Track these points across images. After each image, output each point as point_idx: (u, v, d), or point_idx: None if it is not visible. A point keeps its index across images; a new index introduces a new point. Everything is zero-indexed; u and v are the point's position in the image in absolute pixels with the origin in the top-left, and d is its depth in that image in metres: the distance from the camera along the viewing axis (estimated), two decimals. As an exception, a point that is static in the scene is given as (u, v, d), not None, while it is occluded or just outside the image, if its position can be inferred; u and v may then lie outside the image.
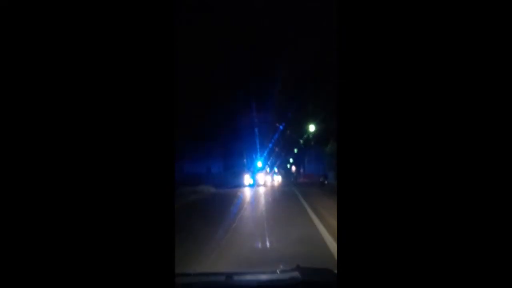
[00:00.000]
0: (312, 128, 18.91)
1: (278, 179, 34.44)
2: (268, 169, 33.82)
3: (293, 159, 38.21)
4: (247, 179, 21.60)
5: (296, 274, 1.11)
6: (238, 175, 21.97)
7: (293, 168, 36.87)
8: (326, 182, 17.02)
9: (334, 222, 4.87)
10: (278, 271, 1.23)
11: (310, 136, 21.33)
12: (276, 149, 29.82)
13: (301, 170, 36.90)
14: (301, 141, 22.26)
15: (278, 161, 31.78)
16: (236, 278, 1.16)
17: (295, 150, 33.22)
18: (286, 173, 39.25)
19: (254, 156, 26.71)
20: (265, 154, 30.47)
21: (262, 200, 11.08)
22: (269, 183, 24.97)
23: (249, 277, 1.23)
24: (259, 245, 4.19)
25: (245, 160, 25.50)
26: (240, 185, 19.93)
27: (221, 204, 10.04)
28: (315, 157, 28.35)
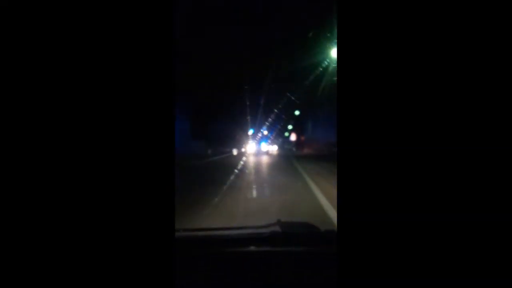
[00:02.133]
0: (335, 53, 10.26)
1: (273, 149, 27.07)
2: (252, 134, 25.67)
3: (293, 124, 30.68)
4: None
5: (276, 227, 1.14)
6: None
7: (293, 136, 29.32)
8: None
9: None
10: (259, 226, 1.21)
11: (329, 67, 12.67)
12: (267, 111, 21.80)
13: (302, 138, 29.60)
14: (321, 69, 13.36)
15: (274, 127, 23.88)
16: (217, 232, 1.23)
17: (296, 112, 25.66)
18: (283, 142, 31.74)
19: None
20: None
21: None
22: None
23: (230, 232, 1.27)
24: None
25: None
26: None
27: None
28: (323, 120, 20.97)
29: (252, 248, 1.07)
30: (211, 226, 1.86)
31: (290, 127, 33.56)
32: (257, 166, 11.83)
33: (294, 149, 30.64)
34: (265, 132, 27.17)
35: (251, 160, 15.64)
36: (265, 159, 15.94)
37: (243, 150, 23.56)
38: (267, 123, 24.68)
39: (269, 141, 26.13)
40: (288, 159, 15.19)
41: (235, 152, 24.14)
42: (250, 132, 27.92)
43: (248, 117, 24.38)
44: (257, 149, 23.99)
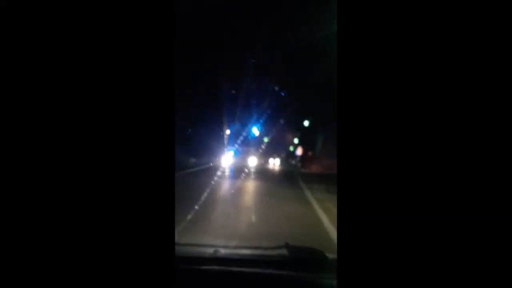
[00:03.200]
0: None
1: (275, 163, 23.91)
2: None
3: (300, 137, 27.62)
4: None
5: (283, 251, 1.11)
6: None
7: (299, 150, 26.01)
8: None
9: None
10: (266, 247, 1.19)
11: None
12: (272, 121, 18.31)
13: (310, 153, 26.45)
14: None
15: (278, 140, 20.45)
16: (223, 251, 1.17)
17: (305, 123, 22.45)
18: (287, 156, 28.65)
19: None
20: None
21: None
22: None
23: (237, 251, 1.27)
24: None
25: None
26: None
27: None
28: (335, 133, 17.88)
29: (258, 270, 1.02)
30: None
31: (296, 140, 30.35)
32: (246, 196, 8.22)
33: (299, 165, 27.62)
34: (256, 132, 16.29)
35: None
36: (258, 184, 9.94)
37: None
38: (258, 113, 15.50)
39: (259, 147, 15.95)
40: (295, 182, 11.31)
41: (224, 163, 16.28)
42: (228, 132, 16.61)
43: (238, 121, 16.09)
44: (238, 161, 14.61)
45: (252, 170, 13.46)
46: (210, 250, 1.12)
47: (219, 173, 11.55)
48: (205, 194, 5.99)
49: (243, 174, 11.97)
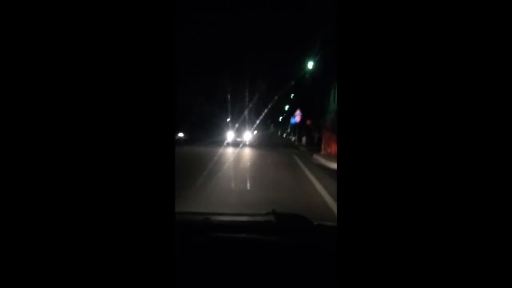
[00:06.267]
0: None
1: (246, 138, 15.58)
2: None
3: (292, 103, 18.98)
4: None
5: (271, 217, 1.15)
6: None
7: (298, 115, 17.32)
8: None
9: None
10: (254, 213, 1.25)
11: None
12: None
13: (309, 122, 18.03)
14: None
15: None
16: (213, 218, 1.21)
17: (309, 65, 13.47)
18: (274, 129, 20.15)
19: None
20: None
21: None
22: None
23: (226, 218, 1.31)
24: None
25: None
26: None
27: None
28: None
29: (245, 235, 1.06)
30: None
31: (287, 107, 21.69)
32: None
33: (293, 139, 19.21)
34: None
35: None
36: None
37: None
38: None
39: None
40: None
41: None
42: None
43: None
44: None
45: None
46: (200, 218, 1.18)
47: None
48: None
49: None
